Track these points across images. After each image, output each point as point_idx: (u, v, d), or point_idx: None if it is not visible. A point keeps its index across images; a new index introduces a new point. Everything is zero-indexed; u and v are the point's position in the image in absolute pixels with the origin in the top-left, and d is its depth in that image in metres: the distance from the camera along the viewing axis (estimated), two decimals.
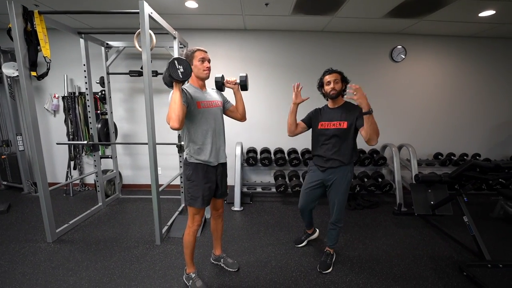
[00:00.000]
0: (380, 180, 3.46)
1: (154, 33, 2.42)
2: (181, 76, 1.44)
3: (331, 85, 1.89)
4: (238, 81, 1.80)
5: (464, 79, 3.76)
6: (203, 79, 1.71)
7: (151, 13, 2.16)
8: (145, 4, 2.06)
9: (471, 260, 2.14)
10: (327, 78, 1.91)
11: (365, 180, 3.44)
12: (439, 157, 3.80)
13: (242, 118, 1.91)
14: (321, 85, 1.99)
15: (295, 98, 1.94)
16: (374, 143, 1.76)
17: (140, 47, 2.37)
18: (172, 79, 1.44)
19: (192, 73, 1.66)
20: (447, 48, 3.66)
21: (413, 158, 3.28)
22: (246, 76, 1.80)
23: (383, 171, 3.73)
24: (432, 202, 2.76)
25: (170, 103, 1.49)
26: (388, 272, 2.02)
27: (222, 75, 1.81)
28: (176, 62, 1.43)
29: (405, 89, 3.75)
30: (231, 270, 2.01)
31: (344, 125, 1.86)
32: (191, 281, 1.81)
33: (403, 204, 3.12)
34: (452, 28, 3.30)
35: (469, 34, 3.55)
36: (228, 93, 1.88)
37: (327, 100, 2.01)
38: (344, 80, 1.93)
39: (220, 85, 1.80)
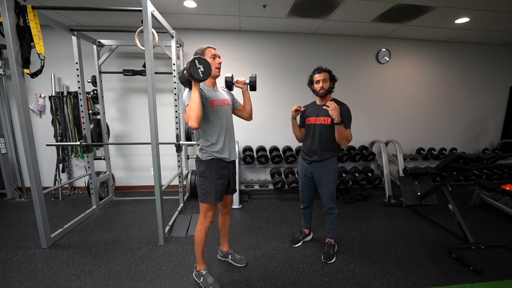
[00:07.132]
0: (370, 174, 3.66)
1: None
2: (201, 76, 1.44)
3: (320, 84, 2.00)
4: (247, 81, 1.84)
5: (441, 79, 4.09)
6: (215, 77, 1.73)
7: (153, 11, 2.15)
8: (148, 2, 2.04)
9: (457, 243, 2.36)
10: (317, 77, 2.01)
11: (357, 174, 3.62)
12: (421, 151, 4.09)
13: (249, 117, 1.94)
14: (311, 82, 2.09)
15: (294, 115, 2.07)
16: (342, 146, 2.03)
17: (141, 45, 2.33)
18: (193, 79, 1.44)
19: None
20: (427, 51, 3.97)
21: (399, 153, 3.51)
22: (255, 77, 1.83)
23: (371, 166, 3.95)
24: (419, 193, 2.99)
25: (189, 102, 1.49)
26: (387, 258, 2.17)
27: (232, 75, 1.85)
28: (197, 61, 1.43)
29: (389, 89, 4.00)
30: (239, 265, 2.05)
31: (328, 121, 1.98)
32: (202, 278, 1.82)
33: (392, 196, 3.33)
34: (432, 33, 3.58)
35: (445, 39, 3.87)
36: (237, 92, 1.93)
37: (317, 96, 2.12)
38: (332, 79, 2.04)
39: (230, 84, 1.85)
